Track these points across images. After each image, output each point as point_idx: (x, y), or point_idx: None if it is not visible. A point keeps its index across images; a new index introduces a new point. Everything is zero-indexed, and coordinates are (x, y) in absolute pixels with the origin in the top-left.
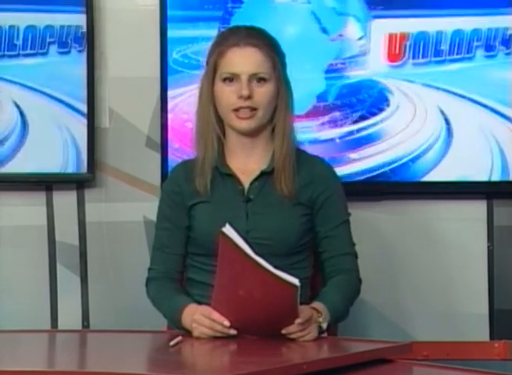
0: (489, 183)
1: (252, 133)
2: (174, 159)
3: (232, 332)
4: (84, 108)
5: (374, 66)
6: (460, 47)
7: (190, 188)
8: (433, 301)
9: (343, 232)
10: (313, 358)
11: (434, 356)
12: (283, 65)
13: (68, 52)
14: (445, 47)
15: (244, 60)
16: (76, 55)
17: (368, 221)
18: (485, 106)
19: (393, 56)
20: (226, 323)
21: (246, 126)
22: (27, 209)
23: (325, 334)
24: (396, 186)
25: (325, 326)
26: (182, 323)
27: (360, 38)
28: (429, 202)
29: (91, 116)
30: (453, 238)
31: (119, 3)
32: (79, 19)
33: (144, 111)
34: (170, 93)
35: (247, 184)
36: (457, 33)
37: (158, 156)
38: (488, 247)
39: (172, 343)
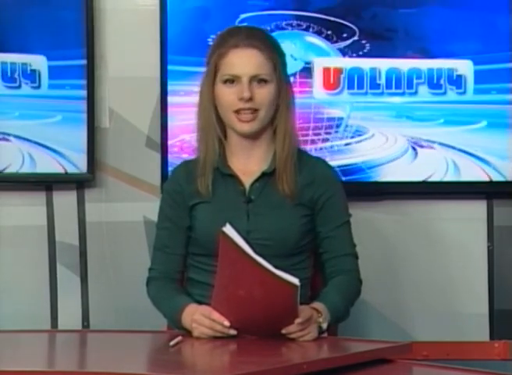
0: (489, 183)
1: (253, 136)
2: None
3: (232, 332)
4: (84, 107)
5: (316, 94)
6: (399, 82)
7: (191, 188)
8: (433, 301)
9: (344, 233)
10: (313, 358)
11: (434, 356)
12: (284, 65)
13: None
14: (381, 81)
15: (244, 62)
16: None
17: (368, 221)
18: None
19: (330, 86)
20: (226, 323)
21: (247, 129)
22: (27, 209)
23: (325, 334)
24: (396, 186)
25: (325, 326)
26: (182, 323)
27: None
28: (429, 202)
29: (91, 116)
30: (453, 238)
31: (119, 3)
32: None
33: (144, 111)
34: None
35: (248, 185)
36: (392, 70)
37: (158, 156)
38: (488, 247)
39: (172, 343)
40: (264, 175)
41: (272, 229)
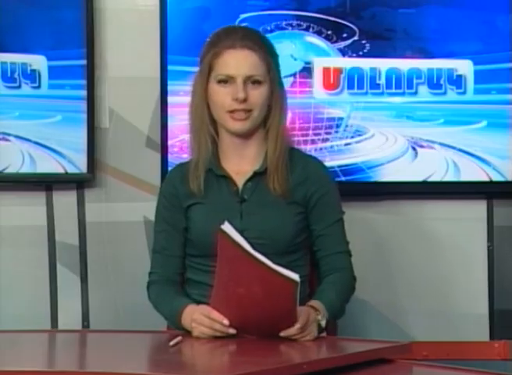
0: (489, 183)
1: (245, 135)
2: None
3: (232, 331)
4: (84, 107)
5: (316, 94)
6: (398, 82)
7: (186, 190)
8: (433, 301)
9: (337, 231)
10: (313, 358)
11: (434, 356)
12: (277, 66)
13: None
14: (381, 81)
15: (240, 62)
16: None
17: (368, 221)
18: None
19: (330, 86)
20: (226, 322)
21: (240, 127)
22: (27, 209)
23: (324, 334)
24: (395, 186)
25: (323, 323)
26: (182, 324)
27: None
28: (429, 202)
29: (91, 116)
30: (453, 238)
31: (119, 3)
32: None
33: (144, 111)
34: None
35: (241, 185)
36: (392, 70)
37: (158, 156)
38: (488, 247)
39: (172, 343)
40: (256, 174)
41: (266, 228)
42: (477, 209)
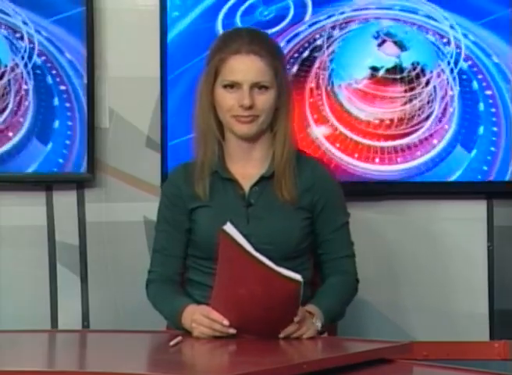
0: (489, 183)
1: (252, 139)
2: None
3: (232, 331)
4: (84, 107)
5: None
6: None
7: (190, 191)
8: (433, 301)
9: (343, 235)
10: (313, 358)
11: (434, 356)
12: (284, 68)
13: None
14: None
15: (246, 68)
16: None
17: (368, 221)
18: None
19: None
20: (226, 322)
21: (246, 130)
22: (27, 209)
23: (325, 334)
24: (396, 186)
25: (319, 326)
26: (182, 324)
27: None
28: (429, 202)
29: (91, 116)
30: (453, 238)
31: (119, 3)
32: None
33: (144, 111)
34: None
35: (247, 189)
36: None
37: (158, 156)
38: (488, 247)
39: (172, 343)
40: (262, 179)
41: (272, 232)
42: (477, 209)
